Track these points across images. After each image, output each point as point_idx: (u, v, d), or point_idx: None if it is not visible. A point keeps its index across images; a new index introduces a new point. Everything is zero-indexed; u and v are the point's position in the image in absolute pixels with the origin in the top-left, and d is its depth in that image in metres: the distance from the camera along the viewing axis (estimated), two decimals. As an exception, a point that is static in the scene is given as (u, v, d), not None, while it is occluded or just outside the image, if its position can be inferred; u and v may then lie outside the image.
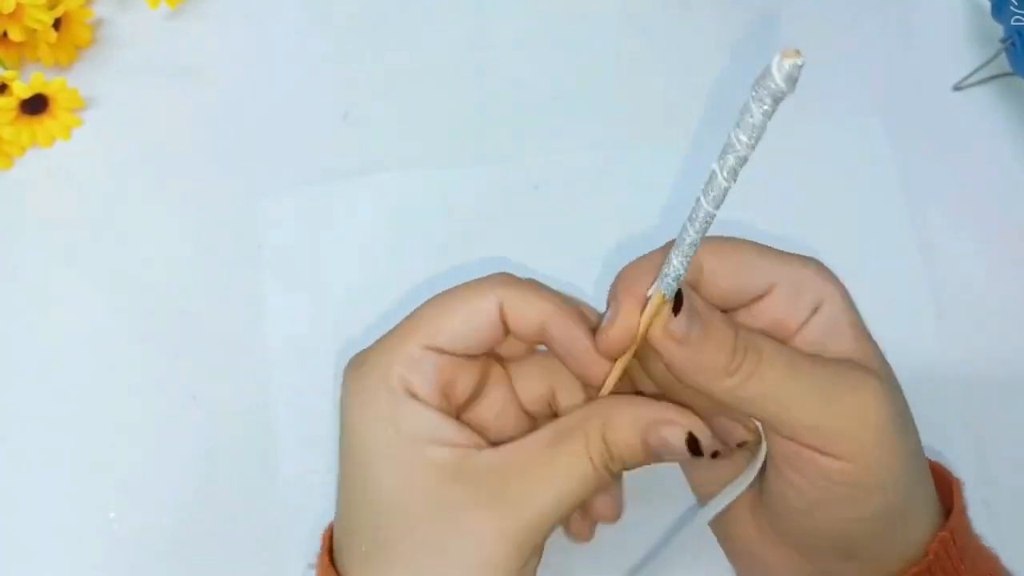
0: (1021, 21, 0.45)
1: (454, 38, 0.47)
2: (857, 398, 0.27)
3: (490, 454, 0.28)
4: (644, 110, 0.46)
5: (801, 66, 0.20)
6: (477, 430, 0.29)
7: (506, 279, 0.29)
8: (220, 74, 0.47)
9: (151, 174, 0.45)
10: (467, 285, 0.30)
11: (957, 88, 0.44)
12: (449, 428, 0.28)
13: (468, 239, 0.44)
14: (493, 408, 0.31)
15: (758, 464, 0.30)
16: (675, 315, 0.26)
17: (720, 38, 0.47)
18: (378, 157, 0.45)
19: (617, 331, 0.28)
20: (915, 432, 0.29)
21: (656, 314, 0.27)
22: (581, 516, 0.32)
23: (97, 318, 0.43)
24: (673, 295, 0.27)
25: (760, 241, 0.31)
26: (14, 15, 0.42)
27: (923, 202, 0.44)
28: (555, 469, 0.27)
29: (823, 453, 0.27)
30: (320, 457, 0.41)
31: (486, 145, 0.45)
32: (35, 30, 0.43)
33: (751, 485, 0.31)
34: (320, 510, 0.40)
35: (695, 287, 0.29)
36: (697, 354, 0.27)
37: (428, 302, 0.30)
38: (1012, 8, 0.41)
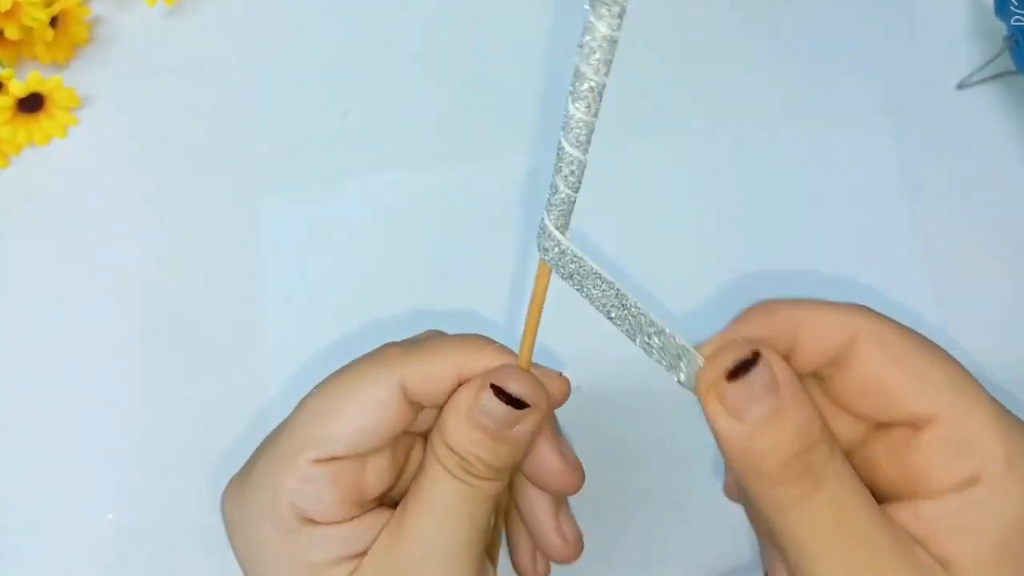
0: (1021, 21, 0.45)
1: (453, 38, 0.47)
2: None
3: (381, 541, 0.25)
4: (644, 110, 0.46)
5: None
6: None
7: (395, 353, 0.26)
8: (218, 73, 0.46)
9: (149, 173, 0.45)
10: (355, 372, 0.26)
11: (960, 87, 0.44)
12: (358, 532, 0.25)
13: (468, 239, 0.44)
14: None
15: None
16: (734, 379, 0.22)
17: (724, 37, 0.47)
18: (378, 157, 0.45)
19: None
20: None
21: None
22: (530, 556, 0.30)
23: (95, 318, 0.43)
24: (563, 226, 0.24)
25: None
26: (10, 13, 0.42)
27: (924, 201, 0.44)
28: (428, 498, 0.25)
29: None
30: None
31: (486, 145, 0.45)
32: (31, 28, 0.43)
33: None
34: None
35: (832, 368, 0.24)
36: (749, 440, 0.22)
37: (311, 399, 0.26)
38: (1013, 8, 0.40)
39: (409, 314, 0.42)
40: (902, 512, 0.23)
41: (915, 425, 0.23)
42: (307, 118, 0.45)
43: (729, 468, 0.25)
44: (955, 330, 0.42)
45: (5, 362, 0.42)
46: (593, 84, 0.21)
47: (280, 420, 0.41)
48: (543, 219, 0.24)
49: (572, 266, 0.25)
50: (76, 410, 0.42)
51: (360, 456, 0.25)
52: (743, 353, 0.23)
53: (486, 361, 0.26)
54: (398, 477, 0.28)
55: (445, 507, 0.25)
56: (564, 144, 0.23)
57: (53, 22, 0.44)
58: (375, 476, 0.26)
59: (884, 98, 0.45)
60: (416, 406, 0.26)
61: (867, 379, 0.23)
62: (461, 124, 0.45)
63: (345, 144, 0.45)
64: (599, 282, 0.24)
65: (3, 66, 0.44)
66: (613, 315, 0.24)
